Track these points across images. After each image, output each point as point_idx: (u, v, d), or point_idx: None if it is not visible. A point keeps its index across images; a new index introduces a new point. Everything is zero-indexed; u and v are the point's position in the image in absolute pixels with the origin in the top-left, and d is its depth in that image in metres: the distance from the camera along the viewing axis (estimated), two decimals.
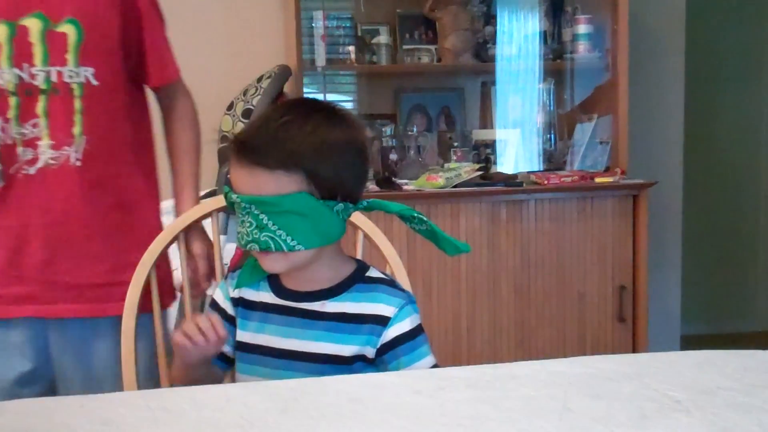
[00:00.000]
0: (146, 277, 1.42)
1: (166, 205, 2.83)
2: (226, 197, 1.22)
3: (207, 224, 1.59)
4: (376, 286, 1.26)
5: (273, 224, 1.16)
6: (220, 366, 1.31)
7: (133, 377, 1.37)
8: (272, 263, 1.21)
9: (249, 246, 1.18)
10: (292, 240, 1.17)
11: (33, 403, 1.03)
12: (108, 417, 0.95)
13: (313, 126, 1.19)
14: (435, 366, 1.23)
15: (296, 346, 1.24)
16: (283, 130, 1.17)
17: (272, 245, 1.17)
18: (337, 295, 1.24)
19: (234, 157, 1.18)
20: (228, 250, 2.52)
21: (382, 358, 1.22)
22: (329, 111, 1.24)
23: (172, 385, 1.37)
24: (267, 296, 1.28)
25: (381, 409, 0.95)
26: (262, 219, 1.16)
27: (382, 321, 1.22)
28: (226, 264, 2.43)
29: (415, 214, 1.25)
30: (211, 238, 1.55)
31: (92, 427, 0.92)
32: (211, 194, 2.67)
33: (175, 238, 1.48)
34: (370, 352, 1.22)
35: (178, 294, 2.63)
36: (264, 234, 1.17)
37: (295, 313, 1.25)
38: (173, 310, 2.63)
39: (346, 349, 1.22)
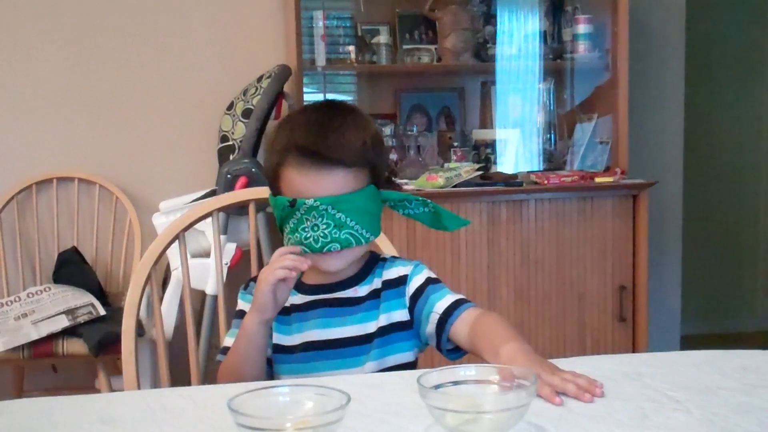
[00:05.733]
0: (147, 276, 1.42)
1: (166, 205, 2.84)
2: (289, 205, 1.21)
3: (207, 224, 1.58)
4: (391, 259, 1.36)
5: (351, 220, 1.21)
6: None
7: (133, 377, 1.37)
8: (337, 261, 1.25)
9: (329, 247, 1.21)
10: (367, 232, 1.24)
11: (33, 403, 1.03)
12: (108, 417, 0.95)
13: (363, 124, 1.26)
14: (462, 300, 1.27)
15: (340, 334, 1.28)
16: (347, 130, 1.23)
17: (353, 241, 1.22)
18: (365, 278, 1.31)
19: (301, 163, 1.21)
20: (228, 250, 2.52)
21: (414, 312, 1.29)
22: (358, 111, 1.31)
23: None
24: (295, 298, 1.31)
25: (381, 409, 0.95)
26: (340, 217, 1.20)
27: (403, 280, 1.30)
28: (226, 264, 2.43)
29: (418, 198, 1.33)
30: (211, 239, 1.55)
31: (92, 427, 0.92)
32: (211, 194, 2.68)
33: (176, 238, 1.48)
34: (404, 314, 1.29)
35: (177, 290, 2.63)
36: (344, 232, 1.21)
37: (331, 303, 1.29)
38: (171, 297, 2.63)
39: (383, 319, 1.28)
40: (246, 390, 0.87)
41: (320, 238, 1.20)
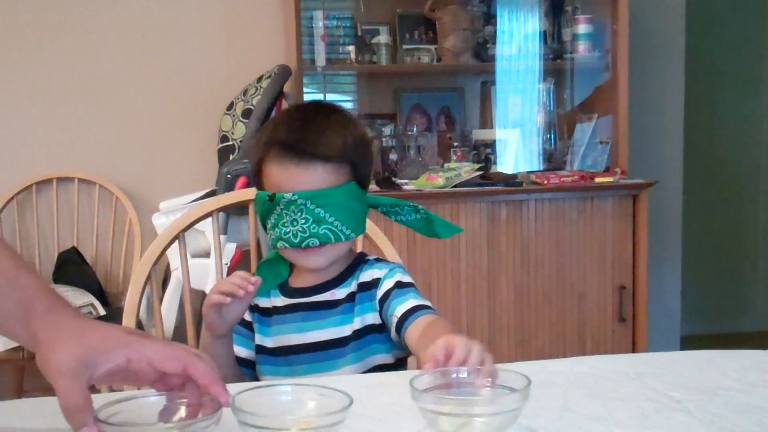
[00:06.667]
0: (147, 276, 1.42)
1: (166, 205, 2.84)
2: (268, 200, 1.21)
3: (207, 224, 1.58)
4: (372, 261, 1.33)
5: (330, 216, 1.21)
6: (247, 372, 1.31)
7: None
8: (318, 258, 1.24)
9: (307, 242, 1.21)
10: (347, 229, 1.23)
11: (33, 402, 1.02)
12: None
13: (346, 123, 1.26)
14: (422, 306, 1.22)
15: (316, 337, 1.27)
16: (328, 127, 1.23)
17: (332, 236, 1.22)
18: (344, 281, 1.29)
19: (281, 158, 1.21)
20: (228, 250, 2.52)
21: (382, 316, 1.26)
22: (344, 111, 1.32)
23: None
24: (277, 300, 1.31)
25: (381, 409, 0.95)
26: (319, 212, 1.20)
27: (375, 283, 1.28)
28: (226, 264, 2.43)
29: (410, 203, 1.31)
30: (211, 239, 1.54)
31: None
32: (211, 194, 2.68)
33: (176, 238, 1.48)
34: (377, 317, 1.27)
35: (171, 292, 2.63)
36: (323, 227, 1.21)
37: (308, 307, 1.29)
38: (172, 295, 2.63)
39: (357, 322, 1.27)
40: (247, 388, 0.87)
41: (299, 233, 1.20)
